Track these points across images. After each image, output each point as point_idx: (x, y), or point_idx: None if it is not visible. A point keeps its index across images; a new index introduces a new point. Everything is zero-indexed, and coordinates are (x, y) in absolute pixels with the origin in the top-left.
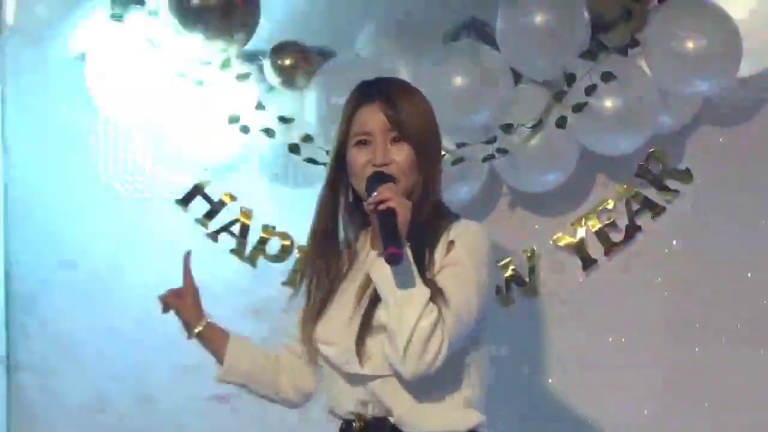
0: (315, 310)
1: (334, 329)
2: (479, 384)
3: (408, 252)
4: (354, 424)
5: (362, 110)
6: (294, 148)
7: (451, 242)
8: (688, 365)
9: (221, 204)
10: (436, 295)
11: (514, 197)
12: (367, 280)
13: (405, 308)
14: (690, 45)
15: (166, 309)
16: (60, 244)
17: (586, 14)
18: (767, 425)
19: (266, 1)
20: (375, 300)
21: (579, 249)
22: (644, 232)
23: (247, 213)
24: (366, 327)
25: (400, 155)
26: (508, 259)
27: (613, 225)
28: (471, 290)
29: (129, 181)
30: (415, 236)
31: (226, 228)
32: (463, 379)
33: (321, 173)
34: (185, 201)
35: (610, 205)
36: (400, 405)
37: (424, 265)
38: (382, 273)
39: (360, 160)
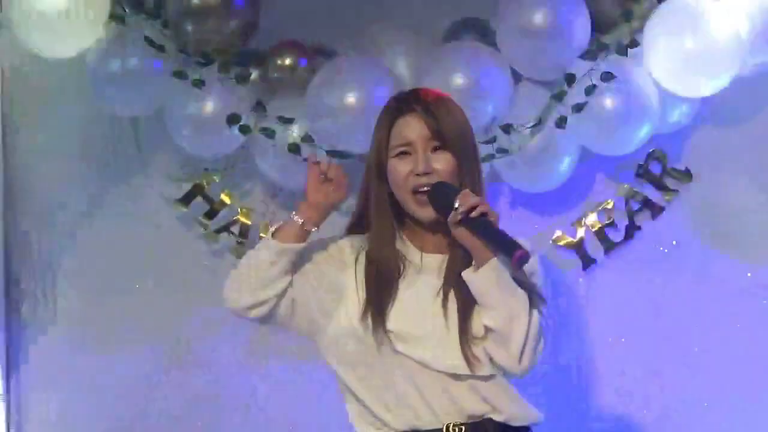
0: (381, 304)
1: (427, 334)
2: None
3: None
4: (451, 429)
5: (401, 121)
6: (294, 148)
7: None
8: (688, 364)
9: (221, 204)
10: (534, 296)
11: (514, 197)
12: (448, 285)
13: (515, 311)
14: (690, 45)
15: (322, 176)
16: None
17: (586, 14)
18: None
19: (266, 1)
20: (466, 306)
21: (579, 249)
22: (644, 232)
23: (247, 213)
24: (465, 332)
25: (442, 164)
26: None
27: (613, 225)
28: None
29: (130, 180)
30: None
31: (226, 228)
32: None
33: None
34: (185, 201)
35: (610, 205)
36: (505, 403)
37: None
38: (487, 279)
39: (402, 171)
